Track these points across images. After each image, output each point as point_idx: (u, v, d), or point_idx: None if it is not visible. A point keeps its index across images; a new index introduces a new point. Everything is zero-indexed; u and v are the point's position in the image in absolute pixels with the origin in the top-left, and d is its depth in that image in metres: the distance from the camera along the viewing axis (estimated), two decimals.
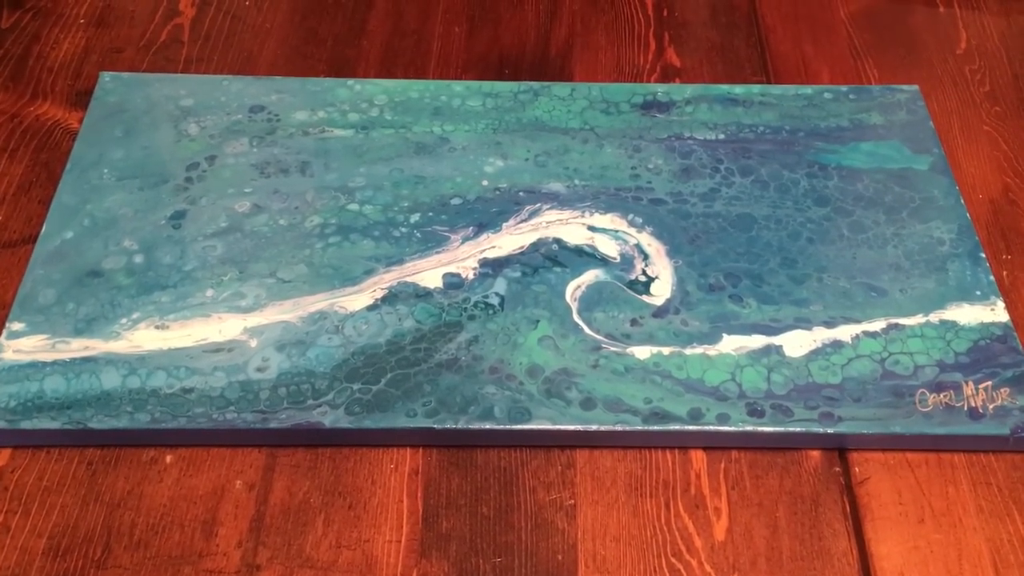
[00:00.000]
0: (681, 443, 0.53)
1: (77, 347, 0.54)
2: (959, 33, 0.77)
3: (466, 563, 0.49)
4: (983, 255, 0.59)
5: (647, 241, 0.60)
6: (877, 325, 0.56)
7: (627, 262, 0.59)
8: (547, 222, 0.60)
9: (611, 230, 0.60)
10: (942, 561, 0.49)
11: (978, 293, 0.57)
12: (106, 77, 0.68)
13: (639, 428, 0.51)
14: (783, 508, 0.51)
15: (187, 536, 0.49)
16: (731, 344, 0.55)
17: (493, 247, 0.59)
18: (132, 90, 0.67)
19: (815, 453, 0.53)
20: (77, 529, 0.49)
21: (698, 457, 0.52)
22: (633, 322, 0.56)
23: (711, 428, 0.52)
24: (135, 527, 0.49)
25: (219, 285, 0.57)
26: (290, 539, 0.49)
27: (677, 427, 0.52)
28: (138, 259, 0.58)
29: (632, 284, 0.57)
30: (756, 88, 0.69)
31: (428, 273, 0.58)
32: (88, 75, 0.71)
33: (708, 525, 0.50)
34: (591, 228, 0.60)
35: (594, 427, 0.51)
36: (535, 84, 0.69)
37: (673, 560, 0.49)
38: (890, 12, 0.78)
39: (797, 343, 0.55)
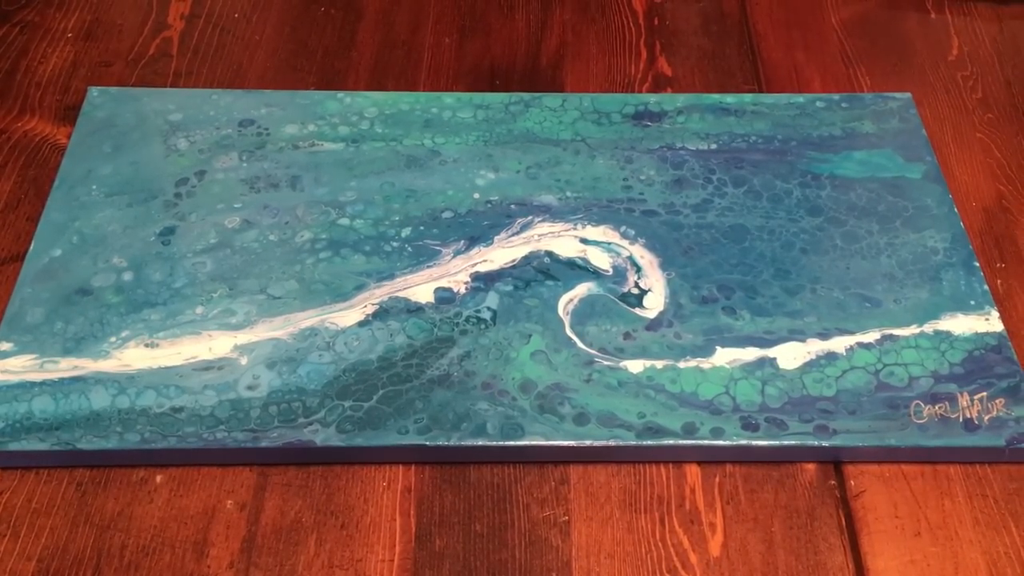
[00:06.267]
0: (675, 458, 0.52)
1: (66, 366, 0.53)
2: (951, 39, 0.77)
3: None
4: (977, 264, 0.59)
5: (640, 253, 0.59)
6: (871, 336, 0.56)
7: (620, 275, 0.58)
8: (539, 235, 0.60)
9: (603, 242, 0.60)
10: (939, 575, 0.49)
11: (972, 303, 0.57)
12: (94, 92, 0.68)
13: (633, 443, 0.51)
14: (778, 522, 0.50)
15: (178, 557, 0.49)
16: (725, 357, 0.55)
17: (485, 261, 0.59)
18: (120, 105, 0.67)
19: (810, 466, 0.52)
20: (67, 552, 0.49)
21: (692, 472, 0.52)
22: (626, 335, 0.55)
23: (705, 443, 0.51)
24: (125, 549, 0.49)
25: (209, 302, 0.56)
26: (282, 559, 0.49)
27: (671, 442, 0.51)
28: (127, 276, 0.57)
29: (625, 297, 0.57)
30: (748, 97, 0.69)
31: (419, 288, 0.57)
32: (76, 89, 0.70)
33: (703, 541, 0.50)
34: (583, 240, 0.60)
35: (588, 443, 0.51)
36: (526, 95, 0.68)
37: None
38: (882, 19, 0.78)
39: (791, 355, 0.55)
